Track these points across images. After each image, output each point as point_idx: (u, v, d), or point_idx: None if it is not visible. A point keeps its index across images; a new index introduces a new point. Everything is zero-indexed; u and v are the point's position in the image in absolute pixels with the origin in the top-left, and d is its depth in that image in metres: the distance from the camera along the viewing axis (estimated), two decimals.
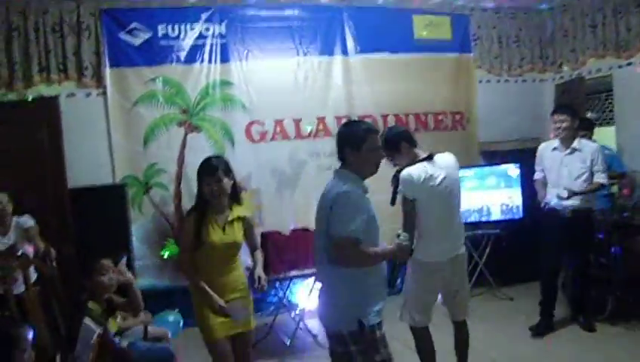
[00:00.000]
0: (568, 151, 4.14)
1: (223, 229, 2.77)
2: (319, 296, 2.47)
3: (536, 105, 6.16)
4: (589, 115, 5.66)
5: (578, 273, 4.30)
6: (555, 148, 4.21)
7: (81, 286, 3.02)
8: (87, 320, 2.71)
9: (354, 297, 2.29)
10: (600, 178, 4.08)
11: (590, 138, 4.70)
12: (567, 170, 4.13)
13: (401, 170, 3.05)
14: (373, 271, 2.34)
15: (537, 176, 4.38)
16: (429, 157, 3.08)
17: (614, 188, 5.10)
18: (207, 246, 2.72)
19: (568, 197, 4.03)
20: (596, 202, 4.51)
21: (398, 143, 3.11)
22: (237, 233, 2.82)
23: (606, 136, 5.67)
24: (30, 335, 2.31)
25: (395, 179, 3.04)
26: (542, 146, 4.38)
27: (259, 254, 2.98)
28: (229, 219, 2.79)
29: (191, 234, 2.74)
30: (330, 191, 2.33)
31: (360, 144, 2.33)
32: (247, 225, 2.91)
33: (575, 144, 4.13)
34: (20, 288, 3.38)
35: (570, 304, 4.47)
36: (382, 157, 2.52)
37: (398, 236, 2.37)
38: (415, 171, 2.97)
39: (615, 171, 4.83)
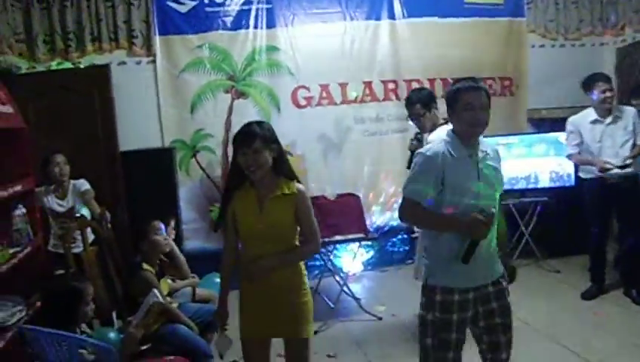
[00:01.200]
0: (610, 120, 4.03)
1: (261, 209, 2.28)
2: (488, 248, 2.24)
3: (595, 70, 5.88)
4: None
5: (631, 247, 4.16)
6: (594, 121, 4.08)
7: (135, 247, 3.17)
8: (156, 291, 2.84)
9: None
10: None
11: None
12: (610, 140, 4.03)
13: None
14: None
15: (573, 150, 4.21)
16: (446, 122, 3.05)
17: None
18: (241, 231, 2.31)
19: (625, 167, 3.93)
20: None
21: (430, 103, 3.30)
22: (281, 214, 2.28)
23: None
24: (91, 289, 2.47)
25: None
26: (575, 119, 4.21)
27: (301, 249, 2.36)
28: (271, 196, 2.28)
29: (228, 222, 2.35)
30: None
31: (453, 104, 2.24)
32: (299, 204, 2.30)
33: (616, 112, 4.03)
34: (78, 248, 3.57)
35: (622, 278, 4.34)
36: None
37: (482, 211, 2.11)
38: None
39: None
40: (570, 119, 4.26)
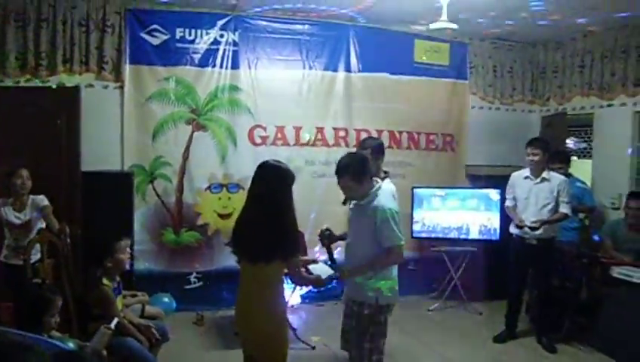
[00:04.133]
0: (538, 180, 4.51)
1: None
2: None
3: (522, 134, 6.51)
4: (570, 143, 6.03)
5: (541, 296, 4.66)
6: (526, 177, 4.59)
7: (97, 263, 3.37)
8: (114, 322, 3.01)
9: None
10: (564, 208, 4.43)
11: (566, 171, 5.07)
12: (534, 198, 4.50)
13: None
14: None
15: (509, 203, 4.72)
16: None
17: (586, 221, 5.49)
18: None
19: (535, 229, 4.37)
20: (566, 233, 4.93)
21: (379, 153, 3.56)
22: None
23: (585, 168, 6.08)
24: (60, 302, 2.66)
25: None
26: (515, 175, 4.75)
27: None
28: None
29: None
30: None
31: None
32: None
33: (544, 174, 4.51)
34: (31, 260, 3.71)
35: (533, 323, 4.85)
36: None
37: None
38: None
39: (585, 205, 5.23)
40: (512, 174, 4.79)
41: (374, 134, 5.85)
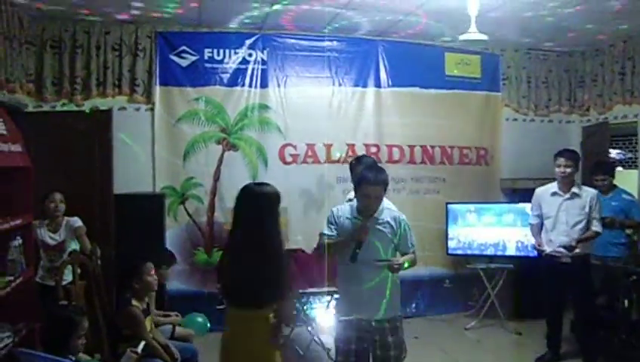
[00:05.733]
0: (568, 196, 4.19)
1: None
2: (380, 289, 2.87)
3: (560, 145, 6.24)
4: (614, 154, 5.75)
5: (585, 318, 4.32)
6: (554, 193, 4.27)
7: (126, 285, 3.38)
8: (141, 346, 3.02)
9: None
10: (596, 226, 4.12)
11: (611, 183, 4.84)
12: (565, 216, 4.18)
13: None
14: None
15: (533, 221, 4.42)
16: None
17: (634, 236, 5.18)
18: None
19: (573, 249, 4.07)
20: (612, 249, 4.65)
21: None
22: None
23: (631, 178, 5.81)
24: (86, 324, 2.66)
25: None
26: (540, 190, 4.43)
27: None
28: None
29: None
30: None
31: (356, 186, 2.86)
32: None
33: (575, 189, 4.20)
34: (65, 281, 3.75)
35: (579, 344, 4.47)
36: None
37: None
38: None
39: (633, 218, 4.85)
40: (536, 190, 4.48)
41: (406, 150, 5.82)
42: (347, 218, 2.90)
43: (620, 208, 4.65)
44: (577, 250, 4.09)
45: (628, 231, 4.98)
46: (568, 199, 4.21)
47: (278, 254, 2.36)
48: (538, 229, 4.40)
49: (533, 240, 5.15)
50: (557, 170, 4.24)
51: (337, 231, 2.89)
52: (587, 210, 4.14)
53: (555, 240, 4.19)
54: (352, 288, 2.89)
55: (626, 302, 4.40)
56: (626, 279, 4.51)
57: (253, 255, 2.30)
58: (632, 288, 4.47)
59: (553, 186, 4.32)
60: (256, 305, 2.34)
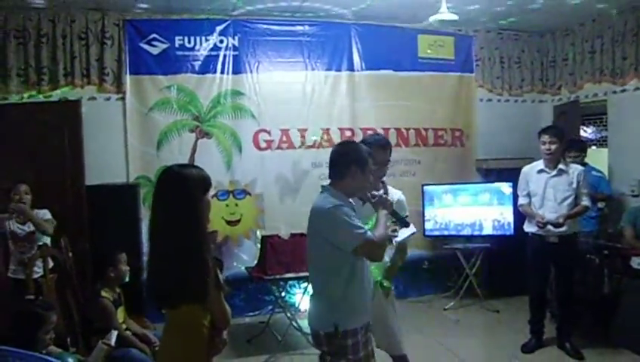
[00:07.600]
0: (555, 172, 4.14)
1: None
2: (310, 299, 2.64)
3: (533, 125, 6.34)
4: (585, 132, 5.84)
5: (562, 297, 4.28)
6: (540, 170, 4.23)
7: (101, 273, 3.33)
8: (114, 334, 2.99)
9: (335, 303, 2.45)
10: (585, 200, 4.10)
11: (583, 160, 4.90)
12: (552, 192, 4.14)
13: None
14: (356, 281, 2.48)
15: (523, 200, 4.33)
16: None
17: (606, 210, 5.31)
18: None
19: (560, 226, 4.02)
20: (584, 223, 4.65)
21: None
22: None
23: (600, 157, 5.90)
24: (54, 318, 2.62)
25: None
26: (526, 169, 4.39)
27: None
28: None
29: None
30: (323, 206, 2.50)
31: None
32: None
33: (561, 165, 4.16)
34: (36, 274, 3.71)
35: (557, 330, 4.36)
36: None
37: None
38: None
39: (602, 193, 5.05)
40: (523, 169, 4.41)
41: (381, 132, 5.76)
42: (355, 210, 2.58)
43: (591, 184, 4.71)
44: (565, 228, 4.06)
45: (600, 205, 5.10)
46: (555, 176, 4.16)
47: (195, 248, 1.96)
48: (530, 207, 4.28)
49: (509, 219, 5.26)
50: (542, 147, 4.18)
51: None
52: (575, 185, 4.11)
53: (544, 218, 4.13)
54: (365, 288, 2.58)
55: (598, 276, 4.50)
56: (597, 254, 4.61)
57: (164, 248, 1.98)
58: (603, 263, 4.56)
59: (539, 164, 4.26)
60: (169, 305, 2.04)
